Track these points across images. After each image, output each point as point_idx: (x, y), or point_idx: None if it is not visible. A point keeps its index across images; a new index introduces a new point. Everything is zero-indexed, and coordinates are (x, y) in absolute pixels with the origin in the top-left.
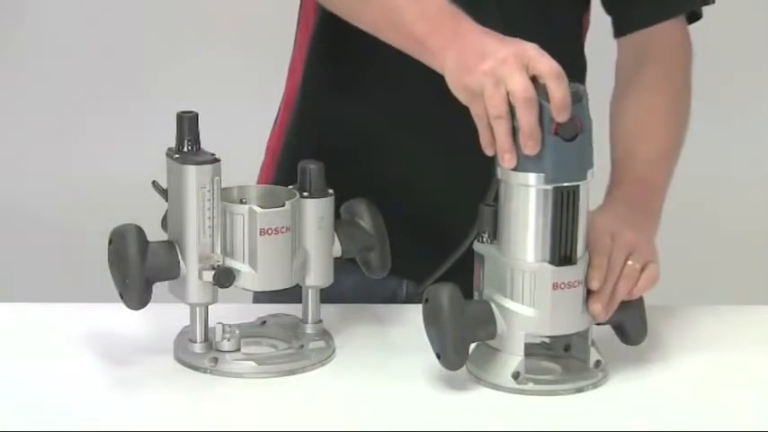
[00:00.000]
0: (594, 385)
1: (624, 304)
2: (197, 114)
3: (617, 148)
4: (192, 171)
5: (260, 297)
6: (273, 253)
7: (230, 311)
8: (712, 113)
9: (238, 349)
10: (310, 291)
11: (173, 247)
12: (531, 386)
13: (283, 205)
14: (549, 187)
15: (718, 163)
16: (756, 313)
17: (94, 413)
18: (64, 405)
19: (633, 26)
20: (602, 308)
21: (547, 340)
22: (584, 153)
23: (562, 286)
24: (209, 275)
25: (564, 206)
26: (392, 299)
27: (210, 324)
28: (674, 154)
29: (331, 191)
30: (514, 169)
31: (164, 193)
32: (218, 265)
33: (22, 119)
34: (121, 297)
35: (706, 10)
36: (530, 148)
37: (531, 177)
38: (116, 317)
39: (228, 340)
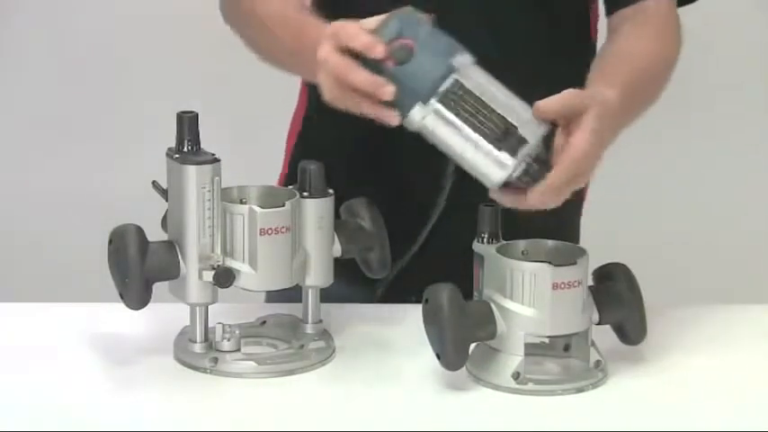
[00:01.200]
0: (594, 385)
1: (624, 304)
2: (197, 114)
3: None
4: (191, 171)
5: (272, 296)
6: (273, 253)
7: (230, 311)
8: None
9: (238, 349)
10: (310, 291)
11: (173, 247)
12: (531, 386)
13: (283, 205)
14: (437, 104)
15: (717, 162)
16: (756, 313)
17: (94, 413)
18: (64, 405)
19: (624, 2)
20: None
21: (547, 340)
22: (434, 57)
23: (562, 286)
24: (209, 275)
25: (463, 103)
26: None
27: (210, 324)
28: (649, 83)
29: (331, 191)
30: (405, 117)
31: (164, 193)
32: (218, 265)
33: (23, 118)
34: (121, 297)
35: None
36: (384, 94)
37: (417, 112)
38: (116, 317)
39: (228, 340)
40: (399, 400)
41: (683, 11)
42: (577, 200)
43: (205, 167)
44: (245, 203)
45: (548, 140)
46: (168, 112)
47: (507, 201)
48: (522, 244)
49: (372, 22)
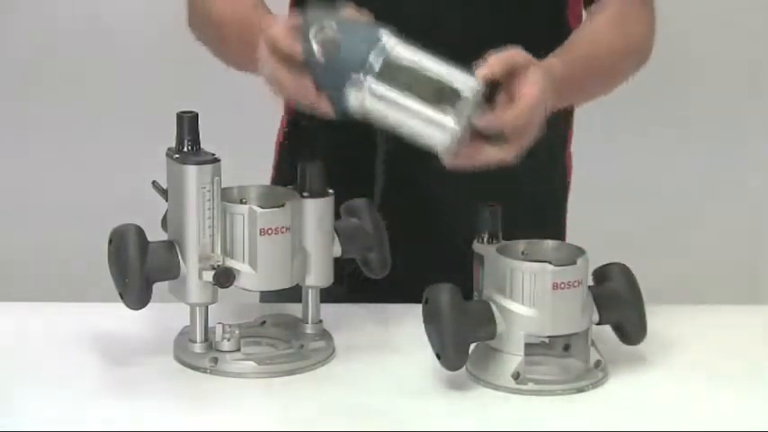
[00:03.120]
0: (594, 385)
1: (624, 304)
2: (197, 114)
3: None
4: (192, 171)
5: (266, 296)
6: (273, 253)
7: (230, 311)
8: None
9: (238, 349)
10: (310, 291)
11: (173, 247)
12: (531, 386)
13: (283, 205)
14: (371, 84)
15: (718, 162)
16: (756, 313)
17: (95, 413)
18: (64, 405)
19: None
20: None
21: (547, 340)
22: (360, 43)
23: (562, 286)
24: (208, 275)
25: (396, 77)
26: None
27: (210, 324)
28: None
29: (331, 191)
30: (346, 105)
31: (164, 193)
32: (218, 265)
33: (23, 117)
34: (121, 297)
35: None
36: (307, 98)
37: (354, 97)
38: (116, 317)
39: (228, 340)
40: (399, 400)
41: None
42: (561, 188)
43: (205, 167)
44: (245, 203)
45: (489, 99)
46: (168, 111)
47: (463, 161)
48: (522, 244)
49: (297, 20)
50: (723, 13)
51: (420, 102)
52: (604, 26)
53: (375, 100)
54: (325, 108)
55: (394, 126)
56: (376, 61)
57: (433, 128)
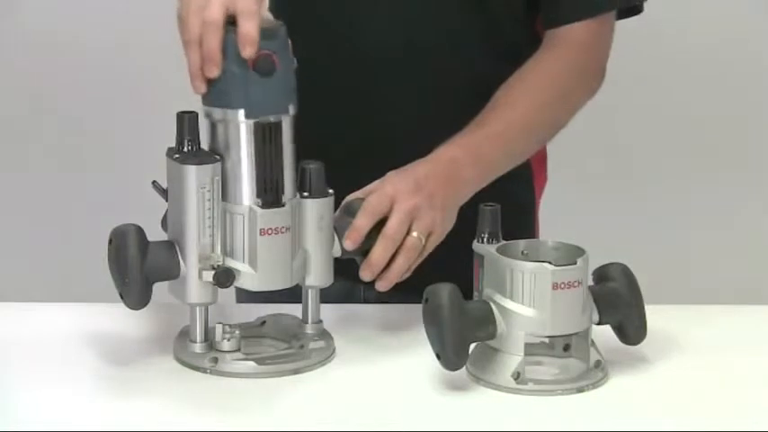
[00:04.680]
0: (594, 385)
1: (624, 304)
2: (197, 114)
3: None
4: (192, 171)
5: (243, 298)
6: (273, 253)
7: (230, 311)
8: None
9: (238, 349)
10: (310, 291)
11: (173, 247)
12: (531, 386)
13: (283, 205)
14: (251, 122)
15: (717, 161)
16: (757, 313)
17: (95, 414)
18: (65, 405)
19: (556, 22)
20: (383, 283)
21: (547, 340)
22: (284, 89)
23: (562, 286)
24: (209, 275)
25: (267, 141)
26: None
27: (210, 324)
28: (523, 137)
29: (331, 191)
30: (219, 106)
31: (164, 192)
32: (218, 266)
33: (23, 117)
34: (121, 297)
35: None
36: (207, 70)
37: (231, 113)
38: (116, 317)
39: (228, 340)
40: (399, 400)
41: None
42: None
43: (205, 167)
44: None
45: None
46: (168, 111)
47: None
48: (522, 244)
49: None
50: None
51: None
52: (530, 95)
53: (247, 137)
54: (200, 85)
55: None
56: (270, 116)
57: None
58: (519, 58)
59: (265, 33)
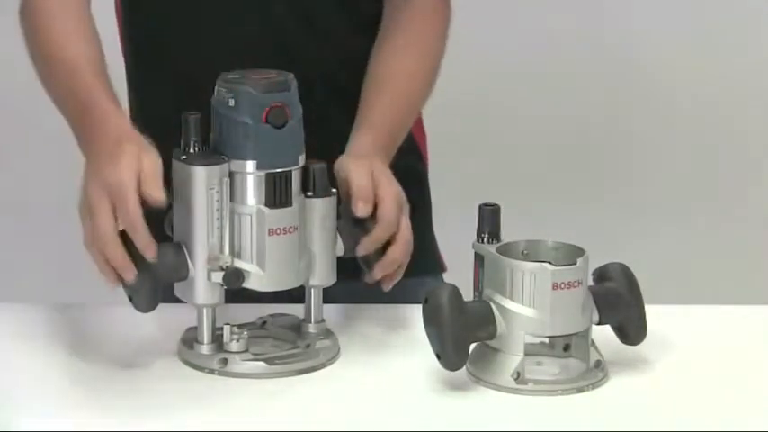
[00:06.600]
0: (594, 385)
1: (624, 304)
2: (200, 115)
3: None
4: (200, 172)
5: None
6: (282, 253)
7: (231, 312)
8: None
9: (247, 350)
10: (313, 290)
11: (181, 248)
12: (531, 386)
13: (291, 205)
14: (262, 173)
15: (717, 160)
16: (757, 313)
17: (101, 414)
18: (66, 405)
19: None
20: (389, 280)
21: (547, 340)
22: (294, 139)
23: (562, 286)
24: (217, 276)
25: (277, 191)
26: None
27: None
28: (409, 105)
29: (334, 189)
30: (232, 157)
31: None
32: (227, 266)
33: (22, 116)
34: (130, 300)
35: None
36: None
37: (244, 164)
38: (121, 318)
39: (237, 341)
40: (399, 400)
41: None
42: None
43: (213, 168)
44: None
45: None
46: None
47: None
48: (522, 244)
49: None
50: None
51: None
52: (402, 61)
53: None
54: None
55: None
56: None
57: None
58: (376, 30)
59: (279, 86)
